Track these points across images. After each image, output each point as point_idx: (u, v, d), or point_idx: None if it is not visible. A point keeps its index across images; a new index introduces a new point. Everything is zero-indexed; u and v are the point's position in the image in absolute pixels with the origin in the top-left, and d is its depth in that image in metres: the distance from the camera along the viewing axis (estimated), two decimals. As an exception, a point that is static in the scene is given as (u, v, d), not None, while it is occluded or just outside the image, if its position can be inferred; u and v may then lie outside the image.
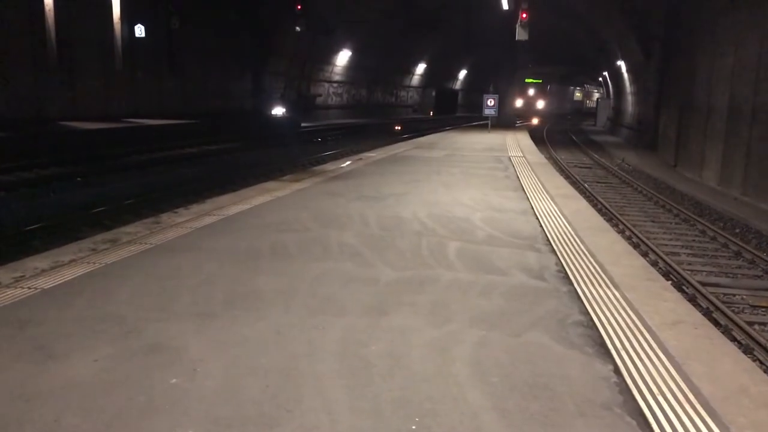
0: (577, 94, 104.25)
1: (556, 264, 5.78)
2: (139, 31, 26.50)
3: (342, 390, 3.20)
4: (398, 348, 3.75)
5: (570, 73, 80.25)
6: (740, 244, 11.08)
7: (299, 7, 30.14)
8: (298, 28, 31.26)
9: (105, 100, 24.79)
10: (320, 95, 42.64)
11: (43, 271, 5.10)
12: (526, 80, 64.71)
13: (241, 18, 31.32)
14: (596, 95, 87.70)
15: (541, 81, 75.88)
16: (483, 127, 27.59)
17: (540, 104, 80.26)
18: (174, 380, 3.26)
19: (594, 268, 5.67)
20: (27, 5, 20.97)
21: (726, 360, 3.64)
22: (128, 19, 26.02)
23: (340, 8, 34.86)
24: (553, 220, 7.82)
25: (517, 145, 20.05)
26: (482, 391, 3.22)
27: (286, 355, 3.61)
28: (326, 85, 43.82)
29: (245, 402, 3.05)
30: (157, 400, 3.05)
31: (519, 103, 62.82)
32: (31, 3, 21.10)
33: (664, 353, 3.75)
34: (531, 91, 78.50)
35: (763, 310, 8.03)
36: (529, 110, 70.47)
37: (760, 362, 6.39)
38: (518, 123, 44.04)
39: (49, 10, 21.69)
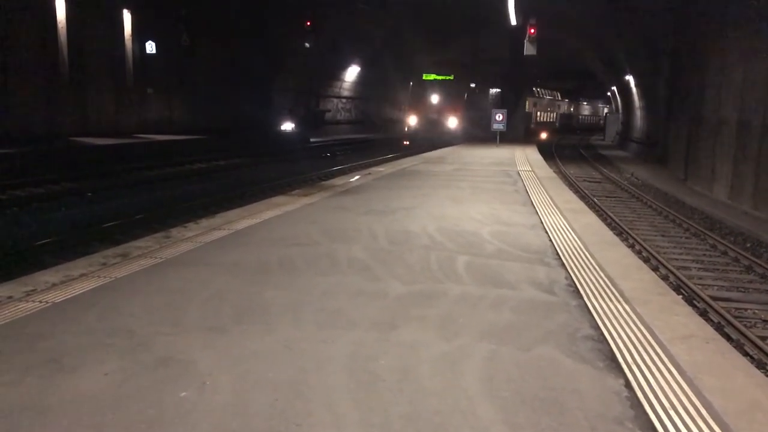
0: (564, 107, 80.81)
1: (566, 278, 5.76)
2: (150, 47, 26.78)
3: (351, 404, 3.19)
4: (407, 362, 3.74)
5: (578, 87, 79.00)
6: (751, 258, 11.00)
7: (308, 23, 30.37)
8: (307, 45, 31.50)
9: (115, 116, 25.00)
10: (329, 111, 42.85)
11: (54, 285, 5.13)
12: (425, 77, 37.86)
13: (250, 34, 31.57)
14: (605, 109, 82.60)
15: (452, 78, 41.21)
16: (491, 142, 27.60)
17: (452, 122, 42.60)
18: (183, 394, 3.26)
19: (604, 282, 5.64)
20: (39, 22, 21.23)
21: (738, 374, 3.61)
22: (139, 36, 26.32)
23: (349, 25, 35.07)
24: (562, 234, 7.80)
25: (526, 159, 20.04)
26: (492, 406, 3.20)
27: (294, 369, 3.60)
28: (335, 100, 44.03)
29: (254, 416, 3.05)
30: (167, 414, 3.05)
31: (413, 120, 43.06)
32: (43, 20, 21.37)
33: (675, 367, 3.72)
34: (435, 99, 43.49)
35: (776, 324, 7.95)
36: (433, 129, 41.24)
37: (773, 377, 6.32)
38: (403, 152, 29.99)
39: (62, 28, 21.96)
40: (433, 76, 35.67)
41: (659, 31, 27.23)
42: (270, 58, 33.10)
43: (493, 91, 43.89)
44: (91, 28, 23.49)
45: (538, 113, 69.02)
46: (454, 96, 42.56)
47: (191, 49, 28.13)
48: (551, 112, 75.69)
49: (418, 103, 44.06)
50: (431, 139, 36.73)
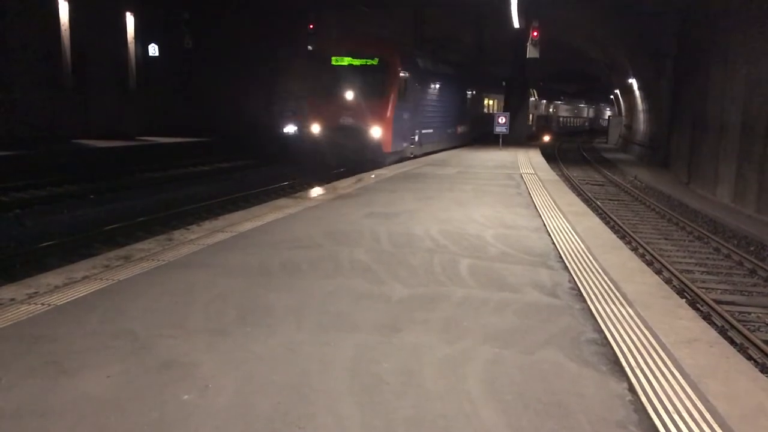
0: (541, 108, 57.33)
1: (569, 281, 5.75)
2: (153, 50, 26.85)
3: (354, 407, 3.18)
4: (411, 365, 3.73)
5: (581, 90, 78.20)
6: (755, 261, 10.97)
7: (311, 26, 30.39)
8: (310, 47, 31.53)
9: (118, 118, 25.04)
10: None
11: (57, 287, 5.12)
12: (335, 61, 19.32)
13: (253, 37, 31.62)
14: (608, 112, 77.19)
15: (366, 63, 19.37)
16: (495, 145, 27.58)
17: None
18: (186, 396, 3.25)
19: (607, 285, 5.63)
20: (42, 25, 21.29)
21: (742, 378, 3.59)
22: (142, 39, 26.39)
23: (352, 28, 35.11)
24: (565, 237, 7.79)
25: (529, 162, 20.03)
26: (496, 409, 3.19)
27: (297, 371, 3.60)
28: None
29: (257, 419, 3.04)
30: (170, 417, 3.04)
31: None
32: (46, 23, 21.42)
33: (679, 371, 3.70)
34: (347, 94, 19.56)
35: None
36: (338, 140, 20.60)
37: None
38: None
39: (65, 30, 22.03)
40: (347, 60, 18.39)
41: (662, 34, 27.22)
42: (273, 61, 33.14)
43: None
44: (94, 31, 23.54)
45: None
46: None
47: (194, 51, 28.18)
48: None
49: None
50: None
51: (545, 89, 60.23)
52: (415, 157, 20.99)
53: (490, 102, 35.17)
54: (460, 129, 28.05)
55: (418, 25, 34.70)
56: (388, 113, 18.50)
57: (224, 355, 3.81)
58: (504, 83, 35.49)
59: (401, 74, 19.08)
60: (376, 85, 18.62)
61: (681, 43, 25.67)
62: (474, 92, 31.03)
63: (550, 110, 66.89)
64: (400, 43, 25.02)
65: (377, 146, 18.41)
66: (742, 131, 17.17)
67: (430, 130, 23.06)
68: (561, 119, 73.34)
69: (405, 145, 20.11)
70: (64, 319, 4.38)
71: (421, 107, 21.42)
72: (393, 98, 18.58)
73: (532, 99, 50.58)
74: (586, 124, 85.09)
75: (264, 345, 3.99)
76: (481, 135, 31.20)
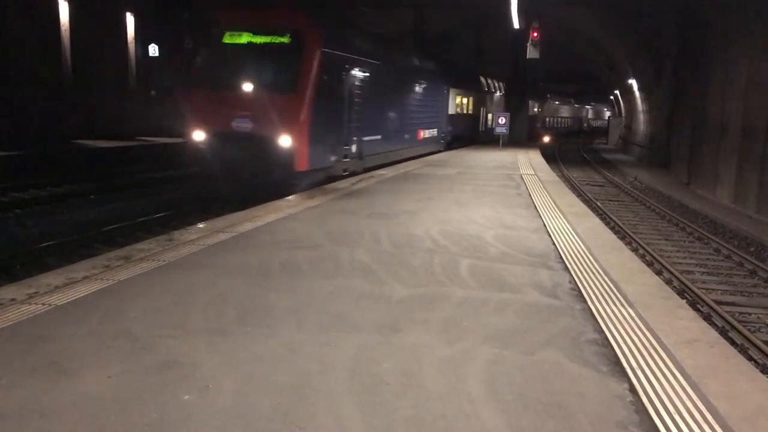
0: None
1: (570, 282, 5.75)
2: (153, 50, 26.81)
3: (354, 408, 3.18)
4: (411, 365, 3.73)
5: (581, 90, 77.76)
6: (755, 262, 10.97)
7: None
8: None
9: (118, 118, 25.02)
10: None
11: (57, 287, 5.12)
12: (227, 39, 13.26)
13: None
14: (606, 112, 74.75)
15: (273, 41, 13.05)
16: (495, 145, 27.60)
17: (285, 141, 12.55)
18: (186, 397, 3.25)
19: (608, 286, 5.63)
20: (43, 26, 21.29)
21: (743, 379, 3.59)
22: (142, 39, 26.37)
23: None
24: (565, 238, 7.78)
25: (529, 163, 20.03)
26: (496, 410, 3.19)
27: (298, 372, 3.59)
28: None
29: (257, 419, 3.04)
30: (170, 417, 3.04)
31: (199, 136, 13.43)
32: (46, 24, 21.42)
33: (680, 372, 3.70)
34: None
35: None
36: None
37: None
38: None
39: (65, 31, 22.03)
40: (246, 37, 13.10)
41: (662, 34, 27.23)
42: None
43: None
44: (95, 31, 23.53)
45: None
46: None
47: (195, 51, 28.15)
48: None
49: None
50: None
51: (532, 88, 56.14)
52: (352, 174, 14.83)
53: (472, 100, 29.57)
54: (427, 134, 22.34)
55: (418, 25, 34.69)
56: (303, 114, 12.36)
57: (224, 355, 3.81)
58: (484, 78, 31.68)
59: (327, 57, 13.03)
60: (286, 73, 12.77)
61: (681, 44, 25.68)
62: (452, 89, 25.57)
63: (535, 110, 60.02)
64: (330, 15, 18.69)
65: (287, 162, 12.31)
66: (742, 132, 17.17)
67: (378, 137, 16.80)
68: (548, 120, 66.51)
69: (333, 158, 13.86)
70: (64, 319, 4.37)
71: (364, 105, 15.29)
72: (312, 91, 12.54)
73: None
74: (576, 124, 79.64)
75: (264, 345, 3.98)
76: (461, 139, 27.33)
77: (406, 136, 19.95)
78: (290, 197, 11.03)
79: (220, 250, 6.64)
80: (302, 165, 12.46)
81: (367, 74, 15.47)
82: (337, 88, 13.80)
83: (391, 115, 18.20)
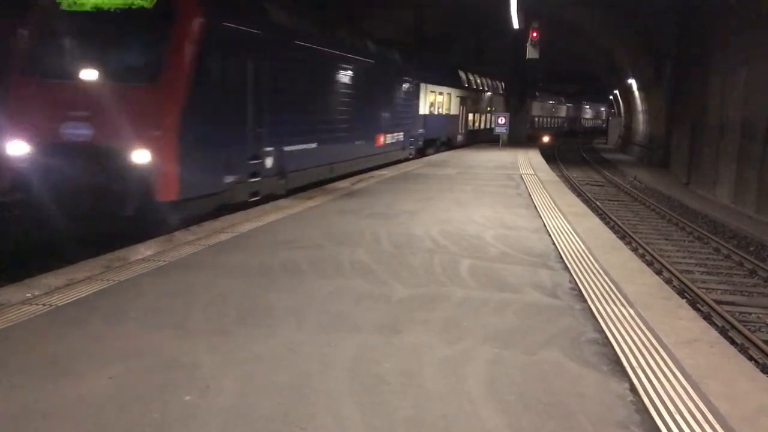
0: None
1: (570, 281, 5.75)
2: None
3: (355, 408, 3.18)
4: (411, 365, 3.73)
5: (580, 90, 77.37)
6: (755, 262, 10.97)
7: None
8: None
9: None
10: None
11: (57, 288, 5.12)
12: (69, 4, 8.23)
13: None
14: (601, 110, 70.87)
15: (131, 4, 8.58)
16: (494, 145, 27.62)
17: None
18: (187, 397, 3.25)
19: (608, 285, 5.63)
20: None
21: (743, 379, 3.59)
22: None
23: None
24: (565, 238, 7.79)
25: (529, 163, 20.04)
26: (496, 410, 3.19)
27: (298, 372, 3.60)
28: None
29: (258, 419, 3.04)
30: (171, 417, 3.04)
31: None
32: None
33: (680, 372, 3.70)
34: None
35: (780, 328, 7.91)
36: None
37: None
38: None
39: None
40: (92, 2, 8.43)
41: (662, 34, 27.23)
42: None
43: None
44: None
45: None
46: None
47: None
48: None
49: None
50: None
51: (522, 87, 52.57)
52: (259, 203, 10.33)
53: (447, 98, 25.59)
54: (390, 138, 18.47)
55: (417, 26, 34.70)
56: (171, 114, 8.46)
57: (225, 355, 3.81)
58: (465, 74, 28.32)
59: (216, 31, 9.14)
60: (147, 53, 8.85)
61: (681, 44, 25.68)
62: (427, 85, 22.22)
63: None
64: None
65: (144, 188, 8.30)
66: (741, 132, 17.18)
67: (312, 145, 12.66)
68: (536, 119, 60.76)
69: (230, 179, 9.64)
70: (65, 319, 4.37)
71: (287, 103, 11.37)
72: (187, 81, 8.56)
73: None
74: (568, 125, 74.06)
75: (264, 345, 3.98)
76: (436, 144, 24.34)
77: (359, 142, 15.76)
78: (284, 200, 10.57)
79: (220, 250, 6.64)
80: (169, 192, 8.36)
81: (295, 61, 11.68)
82: (236, 77, 9.72)
83: (335, 116, 14.09)
